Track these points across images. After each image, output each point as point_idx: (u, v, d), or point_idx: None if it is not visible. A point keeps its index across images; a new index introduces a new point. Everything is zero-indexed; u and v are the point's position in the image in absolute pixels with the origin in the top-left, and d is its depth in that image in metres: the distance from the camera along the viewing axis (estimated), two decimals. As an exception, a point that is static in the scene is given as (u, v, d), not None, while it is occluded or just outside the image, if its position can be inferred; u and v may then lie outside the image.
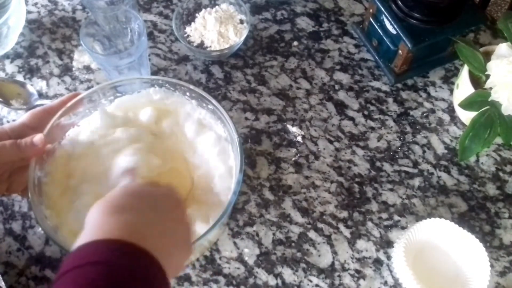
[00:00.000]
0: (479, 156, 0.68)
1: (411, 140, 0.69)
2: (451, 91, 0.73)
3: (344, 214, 0.64)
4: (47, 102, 0.60)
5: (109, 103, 0.62)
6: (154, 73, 0.74)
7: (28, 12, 0.80)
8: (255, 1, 0.82)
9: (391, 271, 0.60)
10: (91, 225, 0.38)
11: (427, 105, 0.72)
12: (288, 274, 0.60)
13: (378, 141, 0.69)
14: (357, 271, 0.61)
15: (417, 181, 0.66)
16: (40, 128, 0.55)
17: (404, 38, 0.66)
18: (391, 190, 0.66)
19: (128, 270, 0.34)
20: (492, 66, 0.61)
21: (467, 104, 0.62)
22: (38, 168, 0.55)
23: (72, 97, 0.59)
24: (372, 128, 0.70)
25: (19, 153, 0.52)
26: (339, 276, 0.60)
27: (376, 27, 0.72)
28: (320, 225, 0.63)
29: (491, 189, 0.66)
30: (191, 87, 0.60)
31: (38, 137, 0.53)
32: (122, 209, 0.39)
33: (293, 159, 0.68)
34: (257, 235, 0.63)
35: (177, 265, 0.43)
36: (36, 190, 0.54)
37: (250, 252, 0.62)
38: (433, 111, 0.72)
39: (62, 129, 0.59)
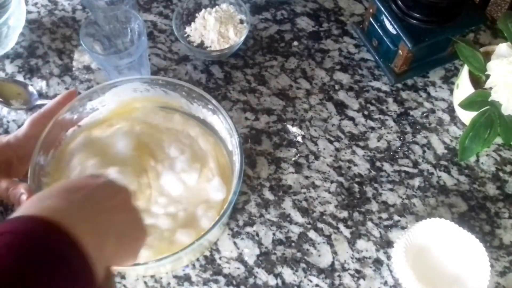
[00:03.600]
0: (479, 156, 0.68)
1: (411, 140, 0.69)
2: (451, 91, 0.73)
3: (344, 214, 0.64)
4: (47, 102, 0.60)
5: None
6: (154, 73, 0.74)
7: (28, 12, 0.80)
8: (255, 1, 0.82)
9: (391, 271, 0.60)
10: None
11: (427, 105, 0.72)
12: (288, 274, 0.60)
13: (378, 141, 0.69)
14: (357, 271, 0.61)
15: (417, 181, 0.66)
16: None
17: (404, 38, 0.66)
18: (391, 190, 0.66)
19: (32, 239, 0.33)
20: (492, 66, 0.61)
21: (467, 104, 0.62)
22: (38, 168, 0.55)
23: (68, 95, 0.59)
24: (372, 128, 0.70)
25: (5, 197, 0.53)
26: (339, 276, 0.60)
27: (376, 27, 0.72)
28: (320, 225, 0.63)
29: (491, 189, 0.66)
30: (191, 87, 0.60)
31: (24, 198, 0.52)
32: (50, 197, 0.39)
33: (293, 159, 0.68)
34: (257, 235, 0.63)
35: (128, 250, 0.42)
36: (36, 190, 0.54)
37: (250, 252, 0.62)
38: (433, 111, 0.72)
39: (62, 128, 0.60)
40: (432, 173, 0.67)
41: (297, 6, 0.81)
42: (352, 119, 0.71)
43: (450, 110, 0.72)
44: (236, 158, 0.56)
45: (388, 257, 0.61)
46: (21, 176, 0.58)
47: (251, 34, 0.78)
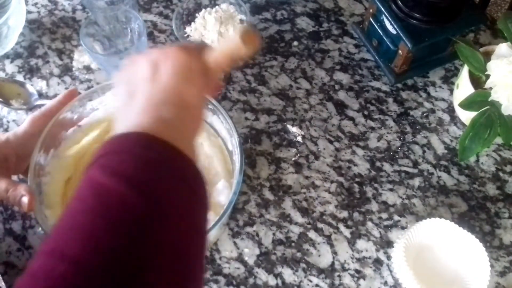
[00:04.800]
0: (479, 156, 0.68)
1: (411, 140, 0.69)
2: (451, 91, 0.73)
3: (344, 214, 0.64)
4: (47, 102, 0.60)
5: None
6: (154, 73, 0.74)
7: (28, 12, 0.80)
8: (255, 1, 0.82)
9: (391, 271, 0.60)
10: (125, 118, 0.39)
11: (427, 105, 0.72)
12: (288, 274, 0.60)
13: (378, 141, 0.69)
14: (357, 271, 0.61)
15: (417, 181, 0.66)
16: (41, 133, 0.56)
17: (404, 38, 0.66)
18: (391, 190, 0.66)
19: (158, 163, 0.34)
20: (492, 66, 0.61)
21: (467, 104, 0.62)
22: (38, 167, 0.55)
23: (69, 94, 0.59)
24: (372, 128, 0.70)
25: (5, 198, 0.53)
26: (339, 276, 0.60)
27: (376, 27, 0.72)
28: (320, 225, 0.63)
29: (491, 189, 0.66)
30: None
31: (25, 200, 0.52)
32: (157, 106, 0.39)
33: (293, 159, 0.68)
34: (257, 235, 0.63)
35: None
36: (36, 189, 0.54)
37: (250, 252, 0.62)
38: (433, 111, 0.72)
39: (62, 128, 0.60)
40: (432, 173, 0.67)
41: (297, 6, 0.81)
42: (352, 119, 0.71)
43: (450, 110, 0.72)
44: (236, 158, 0.56)
45: (388, 257, 0.61)
46: (20, 172, 0.58)
47: (251, 34, 0.78)
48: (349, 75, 0.75)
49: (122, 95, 0.42)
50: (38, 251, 0.31)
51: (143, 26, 0.65)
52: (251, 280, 0.60)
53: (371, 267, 0.61)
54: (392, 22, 0.68)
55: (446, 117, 0.71)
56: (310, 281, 0.60)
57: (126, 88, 0.42)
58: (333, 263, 0.61)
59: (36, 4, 0.82)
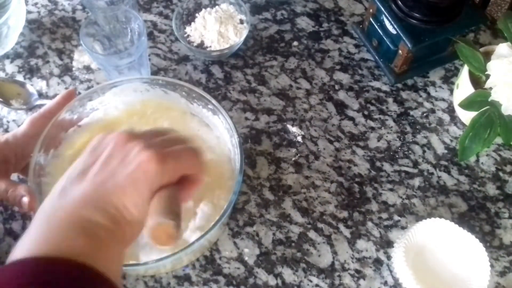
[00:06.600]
0: (479, 156, 0.68)
1: (411, 140, 0.69)
2: (451, 91, 0.73)
3: (344, 214, 0.64)
4: (47, 102, 0.60)
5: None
6: (154, 73, 0.74)
7: (28, 12, 0.80)
8: (255, 1, 0.82)
9: (391, 271, 0.60)
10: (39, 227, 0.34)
11: (427, 105, 0.72)
12: (288, 274, 0.60)
13: (378, 141, 0.69)
14: (357, 271, 0.61)
15: (417, 181, 0.66)
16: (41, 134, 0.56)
17: (404, 38, 0.66)
18: (391, 190, 0.66)
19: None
20: (492, 66, 0.61)
21: (467, 104, 0.62)
22: (38, 168, 0.55)
23: (67, 95, 0.59)
24: (372, 128, 0.70)
25: (5, 198, 0.53)
26: (339, 276, 0.60)
27: (376, 27, 0.72)
28: (320, 225, 0.63)
29: (491, 189, 0.66)
30: (191, 87, 0.60)
31: (25, 201, 0.52)
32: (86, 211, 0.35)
33: (293, 159, 0.68)
34: (257, 235, 0.63)
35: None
36: (36, 189, 0.54)
37: (250, 252, 0.62)
38: (433, 111, 0.72)
39: (62, 128, 0.60)
40: (432, 173, 0.67)
41: (297, 6, 0.81)
42: (352, 119, 0.71)
43: (450, 110, 0.72)
44: (236, 158, 0.56)
45: (388, 257, 0.61)
46: (18, 170, 0.57)
47: (251, 34, 0.78)
48: (349, 75, 0.75)
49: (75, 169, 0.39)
50: None
51: (143, 26, 0.65)
52: (251, 280, 0.60)
53: (371, 267, 0.61)
54: (392, 22, 0.68)
55: (446, 117, 0.71)
56: (310, 281, 0.60)
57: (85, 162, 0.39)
58: (333, 263, 0.61)
59: (36, 4, 0.82)
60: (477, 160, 0.68)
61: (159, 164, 0.37)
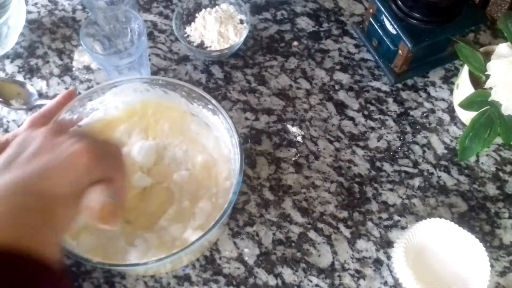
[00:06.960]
0: (479, 156, 0.68)
1: (411, 140, 0.69)
2: (451, 91, 0.73)
3: (344, 214, 0.64)
4: (47, 102, 0.60)
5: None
6: (154, 73, 0.74)
7: (28, 12, 0.80)
8: (255, 1, 0.82)
9: (391, 271, 0.60)
10: None
11: (427, 105, 0.72)
12: (288, 274, 0.60)
13: (378, 141, 0.69)
14: (357, 271, 0.61)
15: (417, 181, 0.66)
16: None
17: (404, 38, 0.66)
18: (391, 190, 0.66)
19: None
20: (492, 66, 0.61)
21: (467, 104, 0.62)
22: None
23: (67, 95, 0.59)
24: (372, 128, 0.70)
25: None
26: (339, 276, 0.60)
27: (376, 27, 0.72)
28: (320, 225, 0.63)
29: (491, 189, 0.66)
30: (191, 87, 0.60)
31: None
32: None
33: (293, 159, 0.68)
34: (257, 235, 0.63)
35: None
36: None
37: (250, 252, 0.62)
38: (433, 111, 0.72)
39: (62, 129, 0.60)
40: (432, 173, 0.67)
41: (297, 6, 0.81)
42: (352, 119, 0.71)
43: (450, 110, 0.72)
44: (236, 158, 0.56)
45: (388, 257, 0.61)
46: None
47: (251, 34, 0.78)
48: (349, 75, 0.75)
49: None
50: None
51: (143, 26, 0.65)
52: (251, 280, 0.60)
53: (371, 267, 0.61)
54: (392, 22, 0.68)
55: (446, 117, 0.71)
56: (310, 281, 0.60)
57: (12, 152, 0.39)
58: (333, 263, 0.61)
59: (36, 4, 0.82)
60: (477, 160, 0.68)
61: (91, 157, 0.38)
